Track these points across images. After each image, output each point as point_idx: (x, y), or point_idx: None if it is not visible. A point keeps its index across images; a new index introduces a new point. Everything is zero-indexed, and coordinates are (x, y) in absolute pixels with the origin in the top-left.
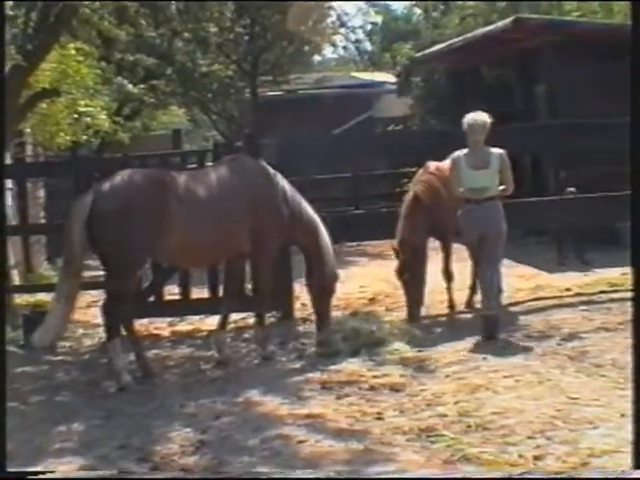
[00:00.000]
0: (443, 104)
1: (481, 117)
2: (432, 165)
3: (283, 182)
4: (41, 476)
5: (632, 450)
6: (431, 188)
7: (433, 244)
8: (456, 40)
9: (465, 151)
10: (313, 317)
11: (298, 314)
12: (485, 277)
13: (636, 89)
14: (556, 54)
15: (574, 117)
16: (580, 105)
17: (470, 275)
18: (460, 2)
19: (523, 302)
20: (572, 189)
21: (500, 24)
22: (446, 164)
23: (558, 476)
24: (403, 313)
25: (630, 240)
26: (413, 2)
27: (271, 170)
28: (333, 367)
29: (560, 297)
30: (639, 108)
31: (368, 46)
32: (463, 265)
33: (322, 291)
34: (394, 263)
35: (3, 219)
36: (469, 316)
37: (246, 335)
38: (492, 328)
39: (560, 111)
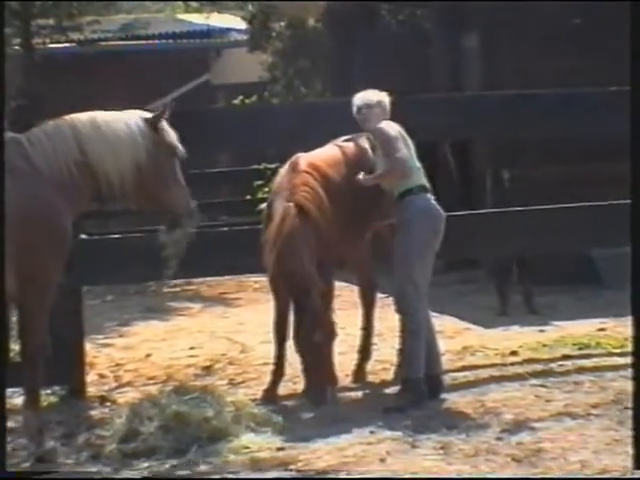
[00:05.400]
0: (320, 64)
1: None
2: (303, 160)
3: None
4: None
5: (632, 450)
6: (316, 195)
7: None
8: None
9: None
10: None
11: (92, 390)
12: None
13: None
14: None
15: (525, 87)
16: (537, 67)
17: (361, 331)
18: None
19: (443, 372)
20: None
21: None
22: (321, 156)
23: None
24: (256, 389)
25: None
26: None
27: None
28: (145, 474)
29: (501, 365)
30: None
31: None
32: (348, 314)
33: None
34: (241, 312)
35: (3, 213)
36: (359, 394)
37: (11, 424)
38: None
39: (503, 76)
